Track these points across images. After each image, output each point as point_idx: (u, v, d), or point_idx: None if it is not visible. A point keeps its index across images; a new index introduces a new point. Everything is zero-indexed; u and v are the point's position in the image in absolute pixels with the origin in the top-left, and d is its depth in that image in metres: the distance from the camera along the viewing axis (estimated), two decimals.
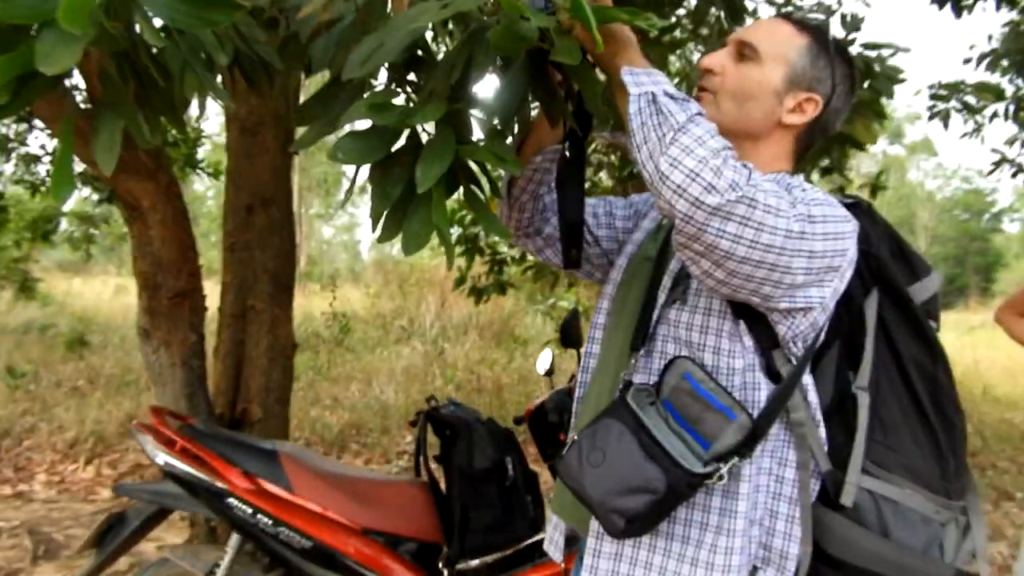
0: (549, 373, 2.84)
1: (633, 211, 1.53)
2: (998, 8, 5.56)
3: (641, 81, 1.13)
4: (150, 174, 2.66)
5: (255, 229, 3.27)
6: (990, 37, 6.48)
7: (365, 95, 1.29)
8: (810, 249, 1.11)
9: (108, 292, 15.57)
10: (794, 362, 1.22)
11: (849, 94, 1.33)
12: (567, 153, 1.32)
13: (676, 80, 5.29)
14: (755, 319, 1.20)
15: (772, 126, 1.29)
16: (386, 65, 1.27)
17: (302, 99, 3.20)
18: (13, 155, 6.53)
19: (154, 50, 1.15)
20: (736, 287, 1.13)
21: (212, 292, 3.09)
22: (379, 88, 1.32)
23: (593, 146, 5.26)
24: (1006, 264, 35.80)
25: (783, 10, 5.82)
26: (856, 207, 1.30)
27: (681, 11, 3.71)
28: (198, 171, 6.72)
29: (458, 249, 5.70)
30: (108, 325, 10.96)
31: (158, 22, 1.11)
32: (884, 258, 1.29)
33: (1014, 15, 6.03)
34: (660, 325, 1.28)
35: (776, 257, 1.08)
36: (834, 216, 1.15)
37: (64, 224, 10.30)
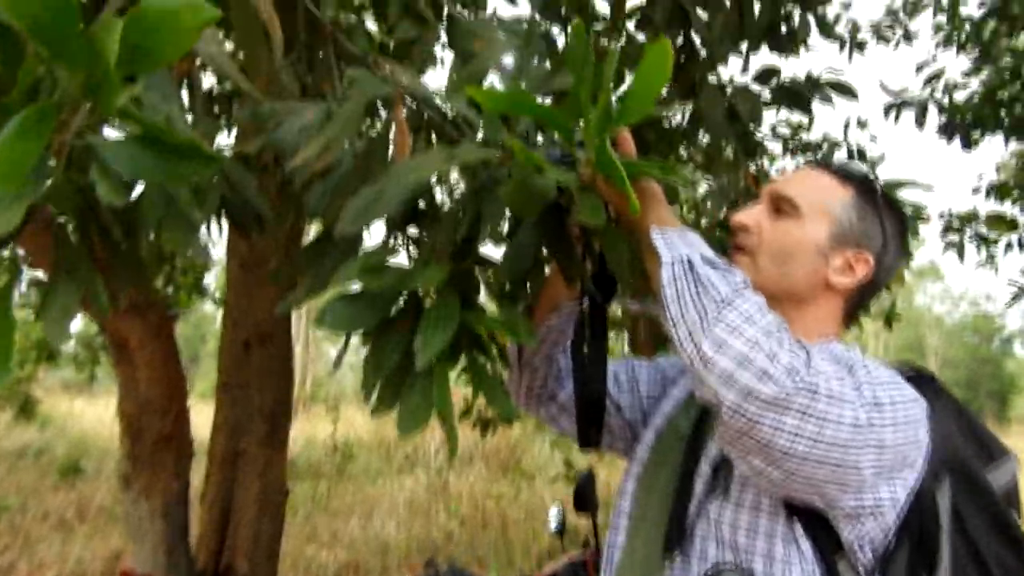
0: (560, 532, 2.60)
1: (660, 376, 1.36)
2: (1007, 141, 5.58)
3: (674, 243, 0.98)
4: (139, 311, 2.52)
5: (252, 367, 3.11)
6: (998, 168, 6.48)
7: (361, 250, 1.16)
8: (879, 441, 0.94)
9: (109, 414, 15.27)
10: (862, 573, 1.02)
11: (901, 249, 1.19)
12: (586, 320, 1.16)
13: (686, 208, 5.24)
14: (814, 519, 1.01)
15: (818, 287, 1.14)
16: (384, 218, 1.14)
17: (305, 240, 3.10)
18: (19, 278, 6.47)
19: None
20: (795, 489, 0.95)
21: (204, 426, 2.90)
22: (376, 244, 1.17)
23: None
24: (1021, 389, 35.25)
25: (790, 144, 5.84)
26: (919, 380, 1.14)
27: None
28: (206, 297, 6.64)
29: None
30: (106, 450, 10.67)
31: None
32: (956, 440, 1.11)
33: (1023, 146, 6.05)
34: (699, 521, 1.09)
35: (842, 454, 0.91)
36: (903, 399, 0.98)
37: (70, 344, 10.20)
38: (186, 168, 0.92)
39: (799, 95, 2.69)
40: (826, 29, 2.62)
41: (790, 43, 2.58)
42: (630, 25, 2.83)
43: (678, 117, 2.99)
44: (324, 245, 1.19)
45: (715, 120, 2.62)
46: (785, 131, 5.97)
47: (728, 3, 2.54)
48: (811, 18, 2.55)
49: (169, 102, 1.10)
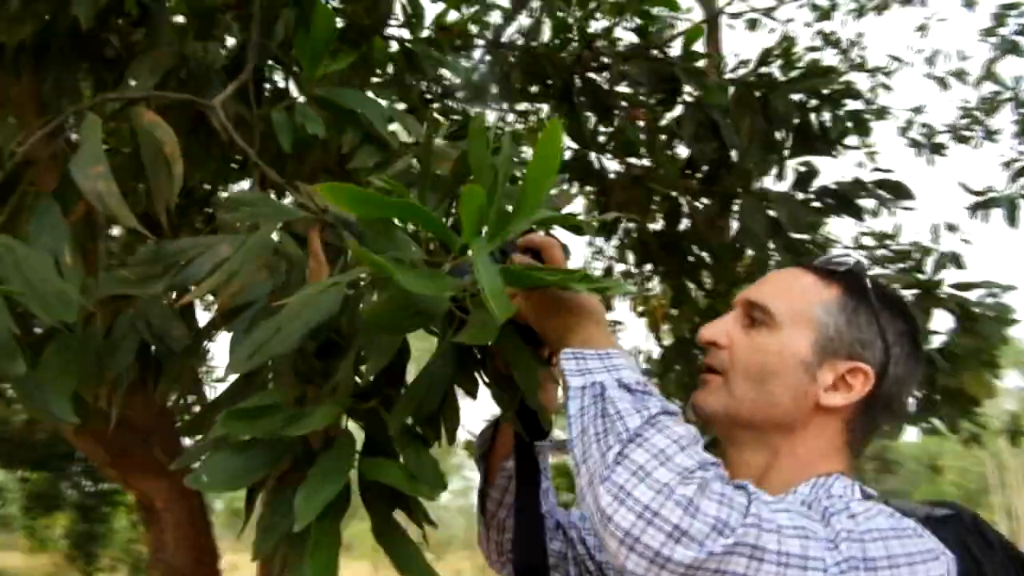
0: None
1: None
2: None
3: (589, 368, 0.80)
4: (164, 472, 2.44)
5: None
6: None
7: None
8: None
9: None
10: None
11: (914, 356, 0.96)
12: (518, 467, 0.97)
13: None
14: None
15: (807, 411, 0.92)
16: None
17: None
18: None
19: None
20: None
21: None
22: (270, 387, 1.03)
23: None
24: None
25: (867, 254, 5.53)
26: (953, 522, 0.89)
27: None
28: None
29: None
30: None
31: None
32: None
33: None
34: None
35: None
36: (908, 554, 0.75)
37: None
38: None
39: (845, 199, 2.50)
40: (861, 127, 2.43)
41: (825, 145, 2.41)
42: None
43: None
44: (236, 389, 1.06)
45: (753, 231, 2.44)
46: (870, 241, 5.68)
47: (754, 109, 2.41)
48: (842, 116, 2.38)
49: (59, 243, 1.03)
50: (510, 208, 0.87)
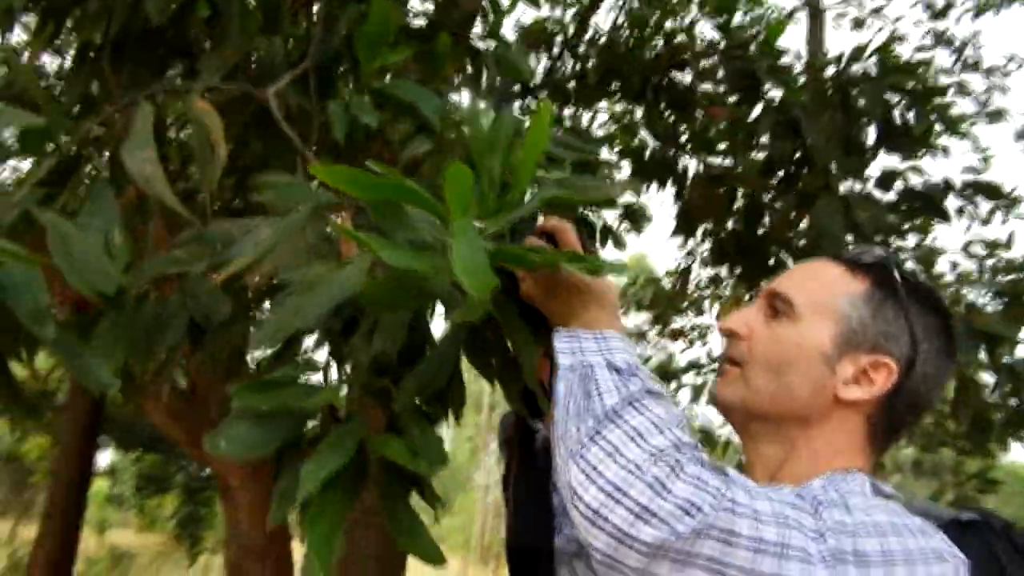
0: None
1: None
2: None
3: (582, 348, 0.80)
4: None
5: (361, 505, 3.04)
6: None
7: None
8: None
9: None
10: None
11: (946, 352, 0.91)
12: (520, 448, 0.98)
13: None
14: None
15: (827, 404, 0.89)
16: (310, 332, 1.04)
17: None
18: None
19: None
20: None
21: None
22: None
23: None
24: None
25: (976, 263, 5.26)
26: (980, 528, 0.85)
27: None
28: None
29: None
30: None
31: None
32: None
33: None
34: None
35: None
36: (907, 551, 0.71)
37: None
38: None
39: (931, 201, 2.38)
40: (952, 126, 2.31)
41: (909, 144, 2.30)
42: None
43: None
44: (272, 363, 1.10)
45: (831, 233, 2.36)
46: (980, 251, 5.39)
47: (833, 106, 2.33)
48: (932, 116, 2.26)
49: (110, 224, 1.09)
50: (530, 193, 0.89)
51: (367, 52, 1.51)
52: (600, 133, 3.27)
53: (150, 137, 1.10)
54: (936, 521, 0.81)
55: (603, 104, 3.41)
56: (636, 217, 1.74)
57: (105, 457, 14.13)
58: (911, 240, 3.95)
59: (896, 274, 0.92)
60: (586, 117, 3.45)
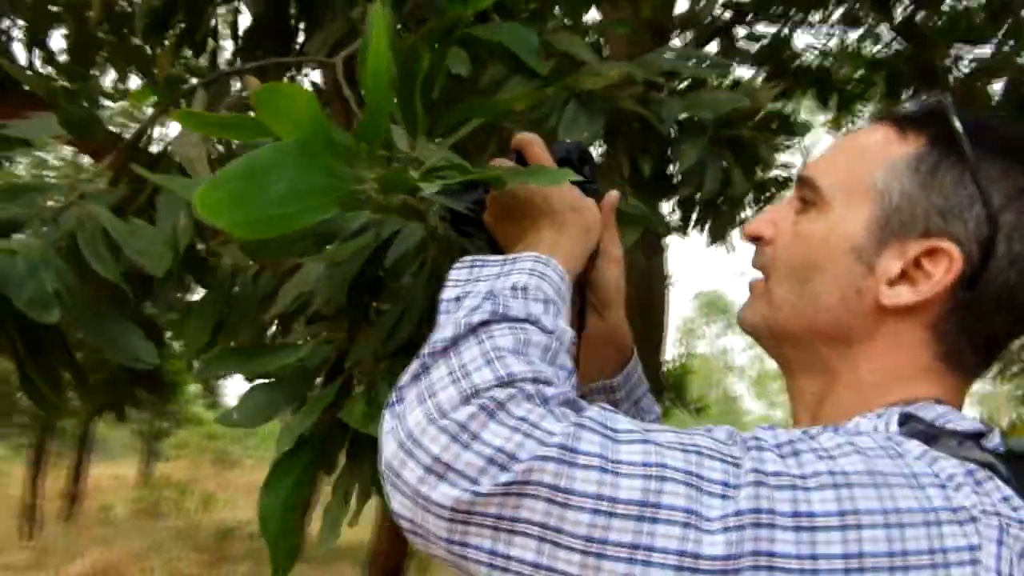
0: None
1: None
2: None
3: (479, 275, 0.69)
4: None
5: None
6: None
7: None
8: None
9: None
10: None
11: None
12: None
13: None
14: None
15: (869, 315, 0.67)
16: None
17: None
18: None
19: None
20: None
21: None
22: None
23: None
24: None
25: None
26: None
27: None
28: None
29: None
30: None
31: None
32: None
33: None
34: None
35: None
36: (886, 512, 0.50)
37: None
38: None
39: None
40: None
41: None
42: None
43: None
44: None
45: None
46: None
47: None
48: None
49: (178, 210, 1.17)
50: None
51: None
52: None
53: None
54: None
55: None
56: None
57: None
58: None
59: (957, 122, 0.66)
60: None
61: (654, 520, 0.50)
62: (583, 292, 0.87)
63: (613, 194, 0.89)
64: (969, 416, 0.64)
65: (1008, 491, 0.54)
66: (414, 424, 0.55)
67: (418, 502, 0.54)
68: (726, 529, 0.49)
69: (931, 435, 0.59)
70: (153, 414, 11.59)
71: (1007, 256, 0.63)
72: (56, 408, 1.06)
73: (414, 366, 0.59)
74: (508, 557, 0.52)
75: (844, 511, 0.50)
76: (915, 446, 0.56)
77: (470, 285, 0.68)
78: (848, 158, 0.71)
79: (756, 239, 0.76)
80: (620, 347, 0.91)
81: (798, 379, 0.73)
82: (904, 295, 0.65)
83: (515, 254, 0.71)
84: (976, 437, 0.61)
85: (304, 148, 0.64)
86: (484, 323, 0.61)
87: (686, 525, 0.49)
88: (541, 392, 0.56)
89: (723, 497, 0.51)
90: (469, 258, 0.72)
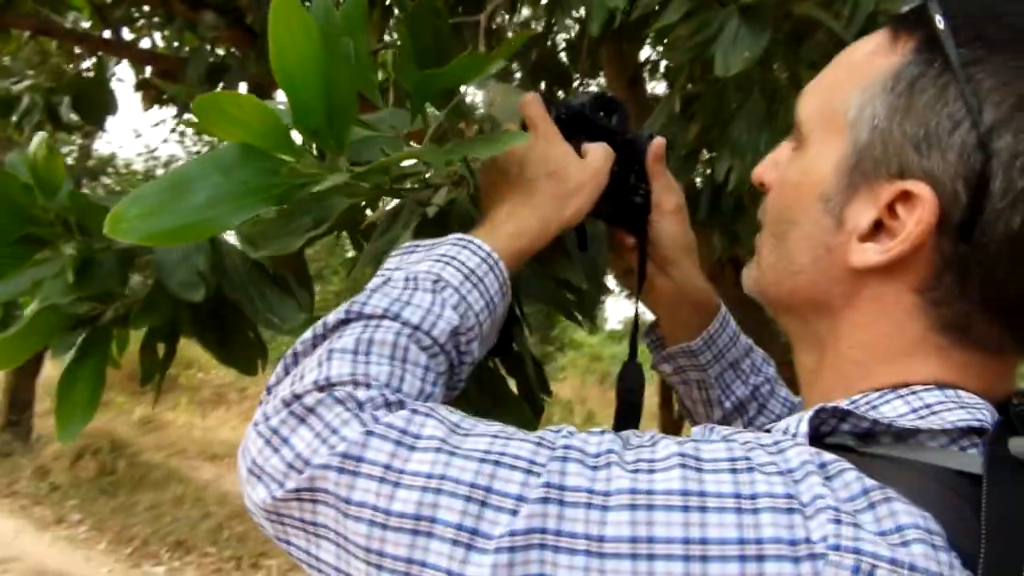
0: None
1: None
2: None
3: (406, 262, 0.67)
4: None
5: None
6: None
7: None
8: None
9: None
10: None
11: None
12: None
13: None
14: None
15: (842, 278, 0.55)
16: None
17: None
18: None
19: None
20: None
21: None
22: None
23: None
24: None
25: None
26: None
27: None
28: None
29: None
30: None
31: None
32: None
33: None
34: None
35: None
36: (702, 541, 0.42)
37: None
38: None
39: None
40: None
41: None
42: None
43: None
44: None
45: None
46: None
47: None
48: None
49: None
50: None
51: None
52: None
53: None
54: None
55: None
56: None
57: None
58: None
59: (941, 21, 0.50)
60: None
61: (429, 535, 0.46)
62: (643, 250, 0.82)
63: (659, 141, 0.81)
64: (979, 404, 0.50)
65: (915, 519, 0.42)
66: (251, 425, 0.57)
67: (248, 503, 0.56)
68: (498, 550, 0.44)
69: (897, 437, 0.49)
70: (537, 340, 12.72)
71: (1009, 192, 0.47)
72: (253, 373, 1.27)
73: (278, 368, 0.61)
74: (318, 559, 0.52)
75: (636, 537, 0.43)
76: (796, 455, 0.45)
77: (393, 272, 0.66)
78: (834, 79, 0.58)
79: (761, 187, 0.66)
80: (698, 307, 0.83)
81: (799, 353, 0.62)
82: (870, 254, 0.52)
83: (446, 237, 0.69)
84: (978, 432, 0.49)
85: (242, 152, 0.70)
86: (343, 322, 0.60)
87: (455, 543, 0.46)
88: (353, 396, 0.54)
89: (513, 513, 0.45)
90: (409, 243, 0.71)
